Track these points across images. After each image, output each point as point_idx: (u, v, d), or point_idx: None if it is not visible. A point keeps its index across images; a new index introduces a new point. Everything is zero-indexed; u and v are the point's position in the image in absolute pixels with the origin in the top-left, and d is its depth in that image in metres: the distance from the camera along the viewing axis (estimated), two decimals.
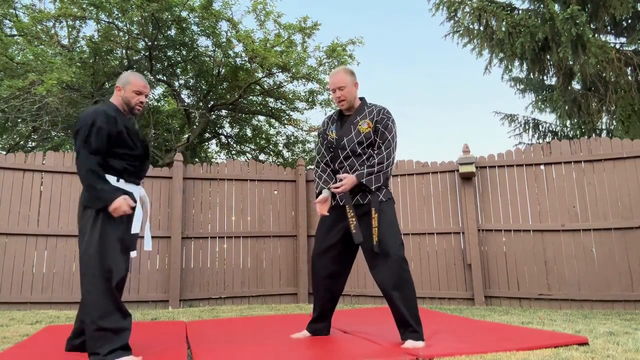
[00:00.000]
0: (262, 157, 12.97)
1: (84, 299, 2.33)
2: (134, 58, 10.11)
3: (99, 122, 2.43)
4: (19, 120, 9.85)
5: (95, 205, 2.41)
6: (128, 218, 2.54)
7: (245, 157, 13.11)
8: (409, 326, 2.60)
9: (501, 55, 7.97)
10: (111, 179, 2.51)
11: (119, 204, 2.40)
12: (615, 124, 7.95)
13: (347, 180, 2.72)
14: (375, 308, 4.65)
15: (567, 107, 8.23)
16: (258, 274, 5.66)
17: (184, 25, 9.58)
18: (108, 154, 2.50)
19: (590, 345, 2.52)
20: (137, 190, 2.66)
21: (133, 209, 2.56)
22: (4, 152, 10.76)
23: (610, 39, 8.16)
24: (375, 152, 2.79)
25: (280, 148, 12.86)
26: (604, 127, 8.95)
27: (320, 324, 2.98)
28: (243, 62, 10.36)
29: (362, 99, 3.00)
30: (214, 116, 11.87)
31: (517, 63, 8.27)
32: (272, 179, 5.88)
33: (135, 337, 2.95)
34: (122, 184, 2.54)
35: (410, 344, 2.54)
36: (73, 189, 5.19)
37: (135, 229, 2.59)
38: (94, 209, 2.42)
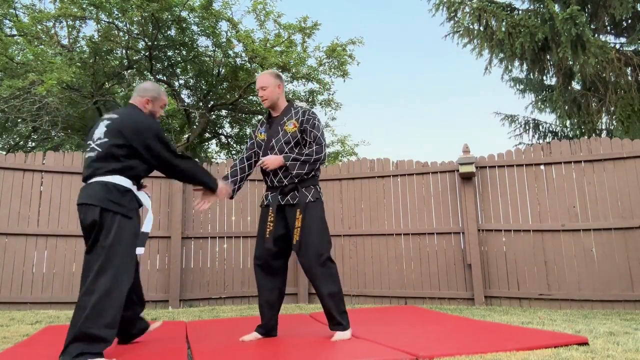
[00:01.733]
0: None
1: (98, 298, 2.27)
2: (134, 58, 10.11)
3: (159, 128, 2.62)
4: (19, 120, 9.86)
5: (213, 185, 2.73)
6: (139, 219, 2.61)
7: None
8: (333, 319, 2.82)
9: (501, 55, 7.98)
10: (127, 181, 2.50)
11: (224, 187, 2.80)
12: (615, 124, 7.95)
13: (273, 158, 2.87)
14: (375, 308, 4.65)
15: (567, 107, 8.23)
16: None
17: (184, 25, 9.58)
18: (139, 156, 2.54)
19: (590, 345, 2.52)
20: (144, 196, 2.71)
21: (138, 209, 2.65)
22: (4, 152, 10.76)
23: (610, 39, 8.16)
24: (307, 146, 2.96)
25: None
26: (604, 127, 8.95)
27: (271, 322, 2.99)
28: (243, 62, 10.36)
29: (289, 101, 3.15)
30: (214, 116, 11.87)
31: (517, 63, 8.27)
32: None
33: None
34: (134, 188, 2.58)
35: (337, 336, 2.78)
36: (73, 189, 5.18)
37: (147, 227, 2.66)
38: (120, 213, 2.41)
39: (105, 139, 2.46)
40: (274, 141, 2.98)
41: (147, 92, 2.70)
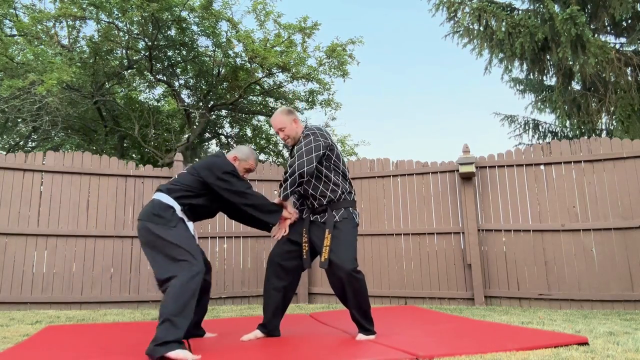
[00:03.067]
0: (262, 157, 12.97)
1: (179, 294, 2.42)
2: (134, 58, 10.11)
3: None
4: (19, 120, 9.86)
5: (275, 219, 2.89)
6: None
7: None
8: (362, 327, 2.89)
9: (501, 55, 7.98)
10: (172, 201, 2.72)
11: (289, 215, 2.97)
12: (615, 124, 7.95)
13: (289, 212, 2.98)
14: (375, 308, 4.64)
15: (566, 108, 8.23)
16: (258, 274, 5.66)
17: (184, 25, 9.58)
18: (206, 194, 2.82)
19: (590, 345, 2.52)
20: (191, 225, 2.88)
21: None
22: (4, 152, 10.76)
23: (610, 39, 8.17)
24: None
25: (280, 148, 12.87)
26: (603, 127, 8.95)
27: (274, 322, 3.00)
28: (243, 62, 10.36)
29: (306, 127, 3.11)
30: (214, 116, 11.87)
31: (517, 63, 8.27)
32: (272, 178, 5.88)
33: (135, 337, 2.96)
34: (180, 214, 2.73)
35: (361, 336, 2.84)
36: (73, 189, 5.19)
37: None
38: (161, 224, 2.63)
39: (184, 171, 2.90)
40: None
41: (238, 152, 3.03)
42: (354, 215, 2.96)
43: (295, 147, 2.98)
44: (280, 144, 12.89)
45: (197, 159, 12.53)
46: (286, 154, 12.68)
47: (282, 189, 2.83)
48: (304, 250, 2.95)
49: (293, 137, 3.04)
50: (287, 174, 2.83)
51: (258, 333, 2.97)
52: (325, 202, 2.93)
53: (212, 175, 2.77)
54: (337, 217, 2.89)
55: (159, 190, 2.79)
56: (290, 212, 2.97)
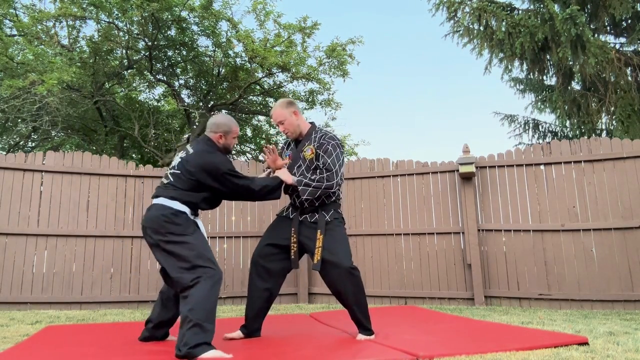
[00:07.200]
0: (262, 157, 12.96)
1: (197, 300, 2.42)
2: (134, 58, 10.11)
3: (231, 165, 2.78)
4: (19, 120, 9.86)
5: (279, 193, 2.87)
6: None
7: (246, 157, 13.11)
8: (362, 326, 2.86)
9: (501, 55, 7.98)
10: (182, 206, 2.65)
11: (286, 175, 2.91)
12: (615, 124, 7.95)
13: (286, 175, 2.89)
14: (376, 308, 4.65)
15: (566, 107, 8.23)
16: None
17: (184, 25, 9.58)
18: (205, 189, 2.72)
19: (590, 345, 2.52)
20: (199, 221, 2.84)
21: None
22: (4, 152, 10.77)
23: (610, 39, 8.17)
24: (318, 172, 2.90)
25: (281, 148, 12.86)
26: (603, 127, 8.95)
27: (256, 323, 2.99)
28: (243, 62, 10.36)
29: (312, 124, 3.08)
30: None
31: (516, 63, 8.28)
32: None
33: (135, 337, 2.95)
34: (192, 216, 2.71)
35: (361, 336, 2.83)
36: (73, 189, 5.19)
37: None
38: (176, 232, 2.58)
39: (178, 171, 2.71)
40: (295, 168, 2.99)
41: (219, 128, 2.83)
42: (341, 216, 3.00)
43: (321, 155, 2.90)
44: (280, 144, 12.88)
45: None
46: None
47: (309, 188, 2.81)
48: (292, 251, 2.92)
49: (293, 131, 3.02)
50: (324, 183, 2.82)
51: (239, 333, 2.97)
52: (317, 204, 2.93)
53: (209, 178, 2.67)
54: (327, 217, 2.89)
55: (159, 195, 2.69)
56: (284, 161, 3.01)
